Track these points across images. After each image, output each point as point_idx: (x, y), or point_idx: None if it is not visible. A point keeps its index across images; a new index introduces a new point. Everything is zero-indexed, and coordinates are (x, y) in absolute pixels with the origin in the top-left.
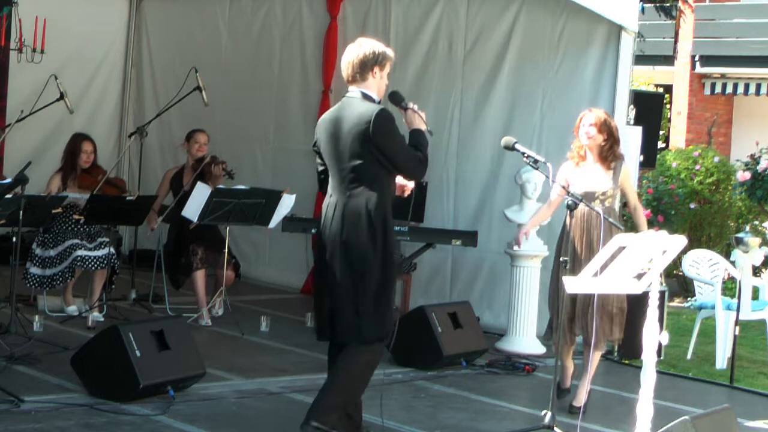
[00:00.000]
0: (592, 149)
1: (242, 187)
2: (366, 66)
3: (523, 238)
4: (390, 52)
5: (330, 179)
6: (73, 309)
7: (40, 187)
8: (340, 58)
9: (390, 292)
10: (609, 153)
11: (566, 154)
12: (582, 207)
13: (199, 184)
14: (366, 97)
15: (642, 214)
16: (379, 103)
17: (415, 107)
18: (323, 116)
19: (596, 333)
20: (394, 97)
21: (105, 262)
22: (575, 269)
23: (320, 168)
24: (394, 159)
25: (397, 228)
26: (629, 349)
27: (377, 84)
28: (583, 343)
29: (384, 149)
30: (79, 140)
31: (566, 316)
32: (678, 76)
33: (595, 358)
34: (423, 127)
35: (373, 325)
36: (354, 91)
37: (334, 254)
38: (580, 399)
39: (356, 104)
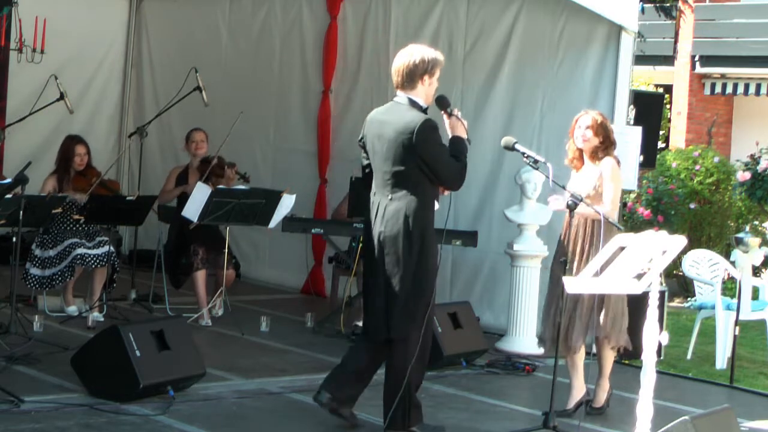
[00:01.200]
0: (587, 151)
1: (242, 187)
2: (414, 74)
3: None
4: (440, 57)
5: (374, 177)
6: (73, 309)
7: (37, 189)
8: (340, 58)
9: (420, 296)
10: (603, 154)
11: (564, 160)
12: (581, 208)
13: (199, 184)
14: (413, 103)
15: (602, 211)
16: (425, 109)
17: (459, 114)
18: (372, 115)
19: (597, 329)
20: (441, 102)
21: (105, 260)
22: (569, 270)
23: (365, 162)
24: (435, 169)
25: None
26: (629, 349)
27: (425, 91)
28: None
29: (426, 159)
30: (71, 143)
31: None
32: (678, 76)
33: (607, 356)
34: (464, 135)
35: (398, 325)
36: (402, 97)
37: (375, 253)
38: (599, 399)
39: (403, 111)
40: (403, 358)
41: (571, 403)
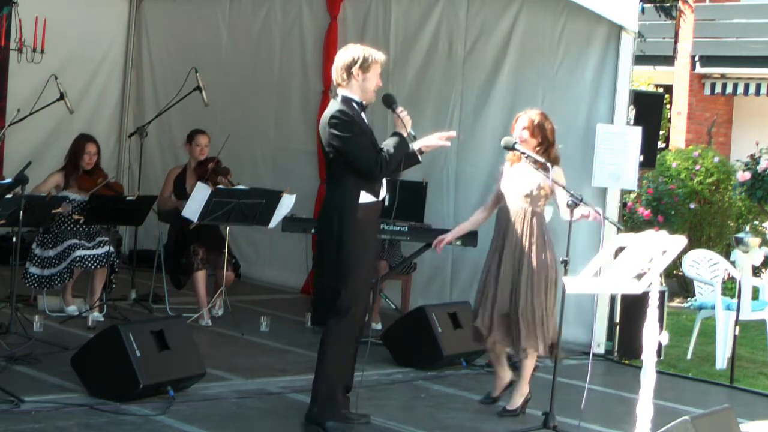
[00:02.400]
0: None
1: (242, 187)
2: (347, 70)
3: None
4: (377, 55)
5: None
6: (73, 309)
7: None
8: None
9: (338, 287)
10: (543, 155)
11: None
12: (514, 205)
13: (199, 184)
14: (344, 99)
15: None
16: (361, 104)
17: (403, 113)
18: None
19: (522, 341)
20: (386, 101)
21: (104, 260)
22: (501, 267)
23: None
24: (349, 159)
25: (397, 228)
26: (629, 350)
27: (360, 86)
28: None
29: (339, 150)
30: (83, 141)
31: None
32: (678, 76)
33: (527, 364)
34: (403, 132)
35: (320, 313)
36: (339, 93)
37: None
38: (515, 402)
39: (330, 106)
40: (324, 352)
41: (498, 391)
